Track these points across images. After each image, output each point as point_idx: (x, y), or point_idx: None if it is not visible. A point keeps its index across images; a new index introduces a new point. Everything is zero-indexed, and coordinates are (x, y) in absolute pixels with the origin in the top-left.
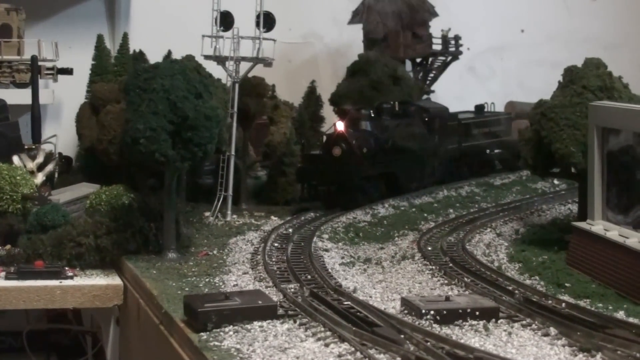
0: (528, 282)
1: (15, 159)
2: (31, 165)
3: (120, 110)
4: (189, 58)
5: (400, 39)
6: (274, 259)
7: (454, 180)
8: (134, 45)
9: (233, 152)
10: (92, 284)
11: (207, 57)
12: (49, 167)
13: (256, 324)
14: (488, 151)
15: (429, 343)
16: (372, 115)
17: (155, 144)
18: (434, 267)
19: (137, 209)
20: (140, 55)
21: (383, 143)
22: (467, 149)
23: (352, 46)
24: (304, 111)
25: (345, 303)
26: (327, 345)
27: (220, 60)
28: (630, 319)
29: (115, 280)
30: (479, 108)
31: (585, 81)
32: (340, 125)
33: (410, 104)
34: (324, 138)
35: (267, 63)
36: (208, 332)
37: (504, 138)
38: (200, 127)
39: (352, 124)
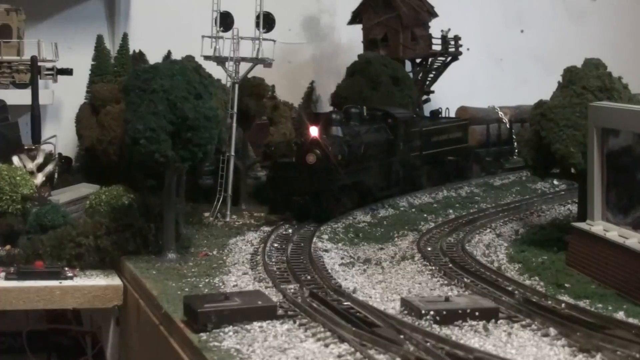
0: (528, 282)
1: (15, 159)
2: (31, 165)
3: (120, 110)
4: (189, 58)
5: (399, 39)
6: (273, 260)
7: (414, 190)
8: (133, 46)
9: (233, 153)
10: (92, 284)
11: (206, 58)
12: (49, 168)
13: (256, 324)
14: (447, 159)
15: (428, 343)
16: (343, 120)
17: (155, 145)
18: (433, 268)
19: (137, 210)
20: (140, 56)
21: (356, 150)
22: (428, 156)
23: (352, 46)
24: (303, 111)
25: (345, 303)
26: (326, 345)
27: (220, 60)
28: (630, 320)
29: (115, 281)
30: (435, 113)
31: (585, 81)
32: (314, 131)
33: (377, 109)
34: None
35: (267, 64)
36: (208, 333)
37: (462, 145)
38: (200, 127)
39: (324, 130)
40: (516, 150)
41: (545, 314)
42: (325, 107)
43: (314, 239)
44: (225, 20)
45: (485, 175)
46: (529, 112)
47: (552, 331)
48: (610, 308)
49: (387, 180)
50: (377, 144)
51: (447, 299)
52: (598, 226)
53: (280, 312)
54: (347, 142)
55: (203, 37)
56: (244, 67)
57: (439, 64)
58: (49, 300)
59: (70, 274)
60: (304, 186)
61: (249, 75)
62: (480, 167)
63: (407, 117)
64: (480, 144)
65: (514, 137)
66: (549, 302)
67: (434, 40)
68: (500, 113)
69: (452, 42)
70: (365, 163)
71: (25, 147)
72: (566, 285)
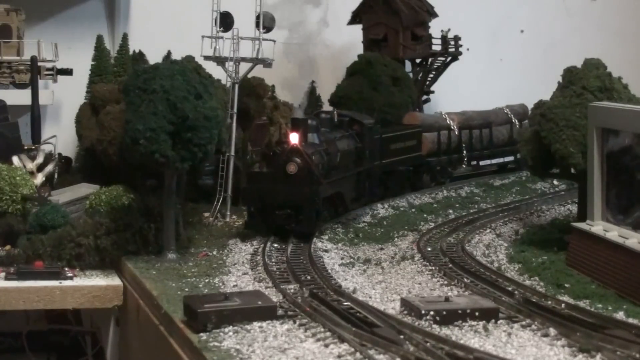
0: (528, 282)
1: (15, 159)
2: (31, 165)
3: (120, 111)
4: (189, 59)
5: (399, 39)
6: (273, 260)
7: (374, 201)
8: (133, 46)
9: (232, 153)
10: (92, 284)
11: (206, 58)
12: (49, 168)
13: (256, 324)
14: (404, 168)
15: (428, 344)
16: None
17: (155, 145)
18: (433, 268)
19: (137, 210)
20: (139, 56)
21: (333, 158)
22: (386, 165)
23: (352, 46)
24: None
25: (345, 304)
26: (326, 345)
27: (220, 60)
28: (630, 320)
29: (114, 281)
30: (386, 120)
31: (585, 82)
32: (295, 138)
33: (343, 115)
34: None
35: (267, 64)
36: (208, 333)
37: (417, 153)
38: (200, 127)
39: (304, 137)
40: (465, 159)
41: (545, 314)
42: (326, 107)
43: (314, 239)
44: (225, 20)
45: (435, 185)
46: (476, 118)
47: (552, 331)
48: (610, 308)
49: (357, 190)
50: (349, 152)
51: (447, 299)
52: (598, 226)
53: (280, 312)
54: (326, 150)
55: (203, 37)
56: (243, 67)
57: (439, 64)
58: (49, 300)
59: (70, 274)
60: (284, 199)
61: (249, 76)
62: (430, 177)
63: (372, 124)
64: (431, 152)
65: (463, 145)
66: (549, 302)
67: (434, 40)
68: (448, 120)
69: (452, 42)
70: (340, 172)
71: (25, 147)
72: (566, 285)
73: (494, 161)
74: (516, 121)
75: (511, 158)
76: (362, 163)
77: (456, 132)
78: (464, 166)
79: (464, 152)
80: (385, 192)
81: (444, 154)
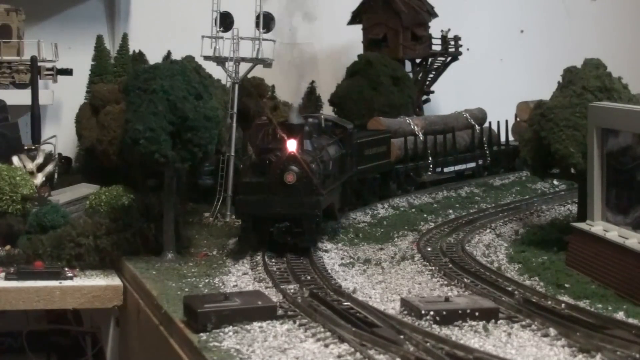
0: (528, 282)
1: (15, 159)
2: (31, 165)
3: (120, 111)
4: (189, 59)
5: (399, 39)
6: (273, 260)
7: (350, 210)
8: (133, 46)
9: (233, 153)
10: (92, 284)
11: (206, 58)
12: (49, 168)
13: (256, 324)
14: (375, 175)
15: (428, 344)
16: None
17: (155, 145)
18: (433, 268)
19: (137, 210)
20: (139, 56)
21: (326, 166)
22: (361, 172)
23: (352, 46)
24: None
25: (345, 304)
26: (326, 345)
27: (220, 61)
28: (630, 320)
29: (114, 281)
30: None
31: (585, 82)
32: (293, 145)
33: (327, 120)
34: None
35: (267, 64)
36: (208, 333)
37: (388, 160)
38: (200, 127)
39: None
40: (430, 166)
41: (545, 314)
42: (326, 107)
43: None
44: (225, 21)
45: (401, 194)
46: (439, 123)
47: (552, 331)
48: (610, 308)
49: (342, 199)
50: (337, 159)
51: (447, 299)
52: (598, 226)
53: (280, 312)
54: (321, 158)
55: (203, 37)
56: (243, 67)
57: (439, 64)
58: (49, 300)
59: (70, 274)
60: (283, 211)
61: (249, 76)
62: (397, 184)
63: (352, 128)
64: (398, 158)
65: (429, 151)
66: (549, 302)
67: (434, 40)
68: (412, 125)
69: (452, 42)
70: (332, 181)
71: (25, 147)
72: (566, 285)
73: (456, 168)
74: (476, 125)
75: (473, 164)
76: (346, 170)
77: (421, 138)
78: (429, 173)
79: (430, 158)
80: (357, 200)
81: (410, 160)
